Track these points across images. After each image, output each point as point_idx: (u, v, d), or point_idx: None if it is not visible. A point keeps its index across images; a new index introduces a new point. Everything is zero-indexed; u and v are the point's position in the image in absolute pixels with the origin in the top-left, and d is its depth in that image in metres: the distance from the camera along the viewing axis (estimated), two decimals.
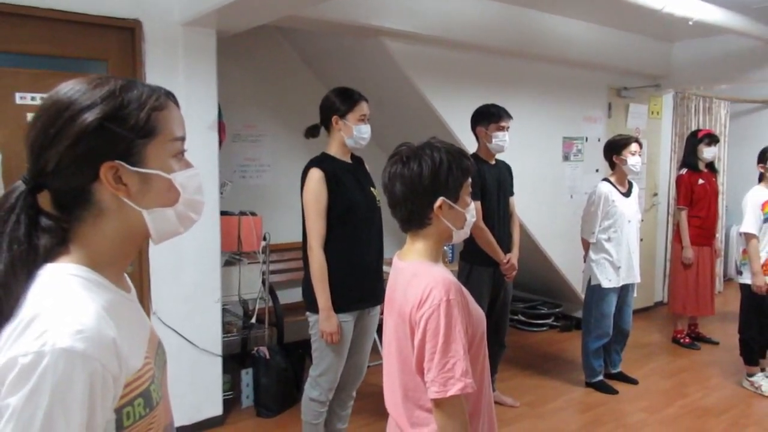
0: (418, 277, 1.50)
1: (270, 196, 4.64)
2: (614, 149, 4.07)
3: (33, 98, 2.95)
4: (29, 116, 2.72)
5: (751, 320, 4.15)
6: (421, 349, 1.44)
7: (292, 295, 4.43)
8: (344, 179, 2.76)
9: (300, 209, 2.78)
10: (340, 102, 2.78)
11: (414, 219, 1.55)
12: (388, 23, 3.79)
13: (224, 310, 3.76)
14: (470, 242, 3.53)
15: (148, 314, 3.15)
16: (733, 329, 4.36)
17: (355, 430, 3.43)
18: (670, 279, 5.45)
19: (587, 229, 4.12)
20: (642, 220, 4.40)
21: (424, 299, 1.44)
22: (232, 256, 3.91)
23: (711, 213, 4.97)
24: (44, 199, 0.92)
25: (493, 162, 3.69)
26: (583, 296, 4.29)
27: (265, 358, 3.75)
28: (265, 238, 3.94)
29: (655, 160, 6.23)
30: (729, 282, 7.05)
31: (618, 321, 4.18)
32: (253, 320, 3.97)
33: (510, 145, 3.63)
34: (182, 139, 0.98)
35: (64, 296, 0.85)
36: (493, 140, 3.56)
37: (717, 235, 5.25)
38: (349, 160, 2.86)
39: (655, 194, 6.25)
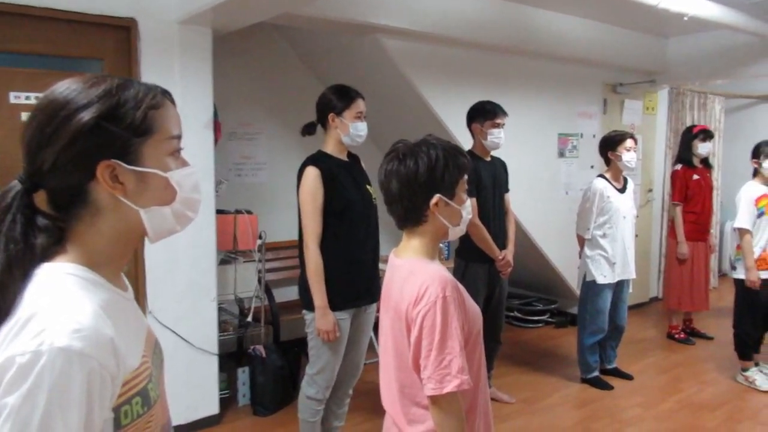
0: (414, 274, 1.51)
1: (266, 195, 4.63)
2: (609, 145, 4.08)
3: (27, 98, 2.94)
4: (24, 116, 2.73)
5: (745, 315, 4.16)
6: (417, 346, 1.45)
7: (288, 294, 4.44)
8: (340, 177, 2.76)
9: (296, 207, 2.78)
10: (337, 99, 2.78)
11: (410, 216, 1.56)
12: (384, 20, 3.79)
13: (220, 309, 3.76)
14: (466, 239, 3.54)
15: (144, 313, 3.15)
16: (728, 324, 4.38)
17: (351, 428, 3.44)
18: (665, 274, 5.47)
19: (582, 225, 4.13)
20: (637, 216, 4.41)
21: (420, 296, 1.44)
22: (228, 255, 3.90)
23: (706, 208, 4.99)
24: (40, 199, 0.92)
25: (489, 158, 3.69)
26: (578, 292, 4.31)
27: (261, 356, 3.75)
28: (260, 237, 3.94)
29: (650, 156, 6.24)
30: (723, 277, 7.08)
31: (613, 317, 4.19)
32: (249, 319, 3.97)
33: (505, 142, 3.63)
34: (178, 137, 0.98)
35: (61, 295, 0.85)
36: (489, 137, 3.57)
37: (711, 231, 5.27)
38: (345, 158, 2.86)
39: (650, 190, 6.27)
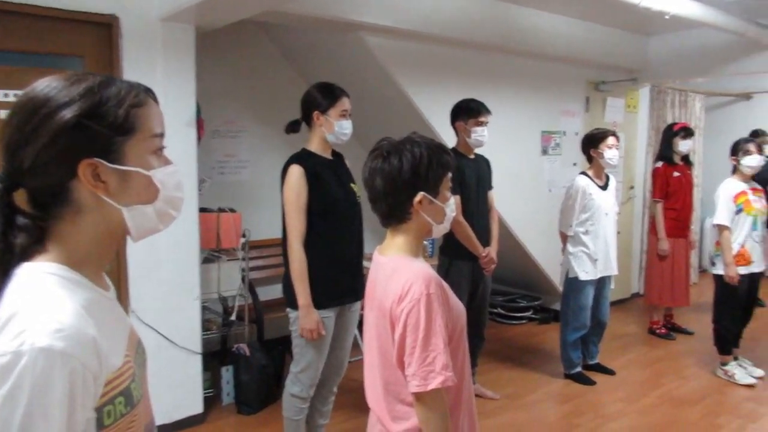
0: (398, 271, 1.51)
1: (249, 193, 4.61)
2: (592, 143, 4.11)
3: (6, 95, 2.90)
4: (3, 114, 2.69)
5: (725, 310, 4.22)
6: (401, 343, 1.45)
7: (272, 292, 4.42)
8: (324, 176, 2.75)
9: (280, 206, 2.77)
10: (322, 97, 2.77)
11: (394, 214, 1.56)
12: (367, 18, 3.79)
13: (204, 308, 3.74)
14: (449, 236, 3.55)
15: (127, 312, 3.12)
16: (708, 319, 4.44)
17: (336, 426, 3.44)
18: (646, 271, 5.53)
19: (565, 222, 4.16)
20: (619, 213, 4.46)
21: (404, 294, 1.45)
22: (212, 253, 3.88)
23: (686, 205, 5.06)
24: (21, 198, 0.91)
25: (473, 156, 3.71)
26: (561, 289, 4.35)
27: (245, 355, 3.74)
28: (244, 235, 3.92)
29: (632, 153, 6.30)
30: (704, 273, 7.17)
31: (595, 313, 4.23)
32: (233, 317, 3.95)
33: (489, 139, 3.65)
34: (161, 135, 0.97)
35: (42, 295, 0.84)
36: (473, 135, 3.58)
37: (692, 227, 5.34)
38: (329, 156, 2.85)
39: (632, 187, 6.33)
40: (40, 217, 0.91)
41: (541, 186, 5.37)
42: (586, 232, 4.07)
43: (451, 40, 4.32)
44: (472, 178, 3.63)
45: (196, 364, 3.53)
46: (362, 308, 1.78)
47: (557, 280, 4.98)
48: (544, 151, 5.38)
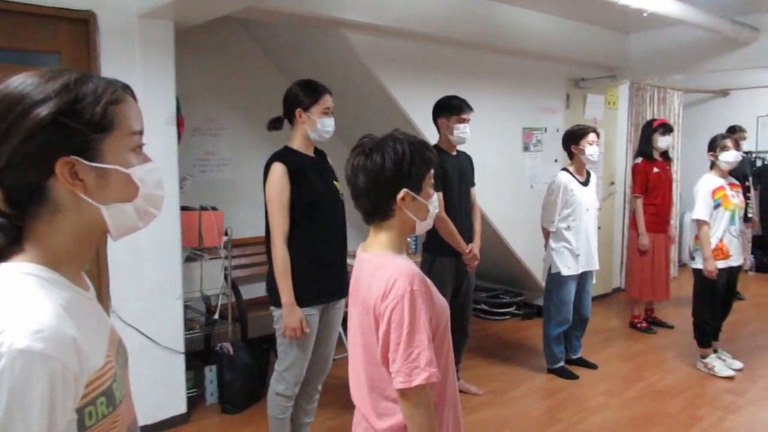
0: (381, 268, 1.51)
1: (231, 191, 4.58)
2: (573, 139, 4.15)
3: None
4: None
5: (704, 304, 4.27)
6: (385, 340, 1.45)
7: (255, 290, 4.40)
8: (307, 173, 2.74)
9: (262, 204, 2.75)
10: (304, 95, 2.75)
11: (377, 211, 1.56)
12: (348, 15, 3.77)
13: (186, 307, 3.71)
14: (432, 233, 3.55)
15: (108, 312, 3.08)
16: (688, 313, 4.49)
17: (321, 423, 3.43)
18: (627, 265, 5.59)
19: (547, 218, 4.19)
20: (600, 209, 4.50)
21: (388, 290, 1.45)
22: (194, 252, 3.85)
23: (665, 200, 5.12)
24: None
25: (455, 153, 3.72)
26: (543, 284, 4.38)
27: (228, 354, 3.72)
28: (226, 233, 3.90)
29: (612, 149, 6.36)
30: (683, 267, 7.26)
31: (578, 307, 4.27)
32: (216, 316, 3.93)
33: (471, 136, 3.66)
34: (140, 132, 0.96)
35: (20, 296, 0.83)
36: (455, 132, 3.59)
37: (671, 222, 5.41)
38: (312, 154, 2.84)
39: (612, 183, 6.39)
40: (17, 217, 0.89)
41: (523, 182, 5.40)
42: (568, 228, 4.10)
43: (433, 37, 4.32)
44: (455, 175, 3.64)
45: (179, 363, 3.51)
46: (346, 306, 1.77)
47: (540, 275, 5.02)
48: (526, 148, 5.41)
